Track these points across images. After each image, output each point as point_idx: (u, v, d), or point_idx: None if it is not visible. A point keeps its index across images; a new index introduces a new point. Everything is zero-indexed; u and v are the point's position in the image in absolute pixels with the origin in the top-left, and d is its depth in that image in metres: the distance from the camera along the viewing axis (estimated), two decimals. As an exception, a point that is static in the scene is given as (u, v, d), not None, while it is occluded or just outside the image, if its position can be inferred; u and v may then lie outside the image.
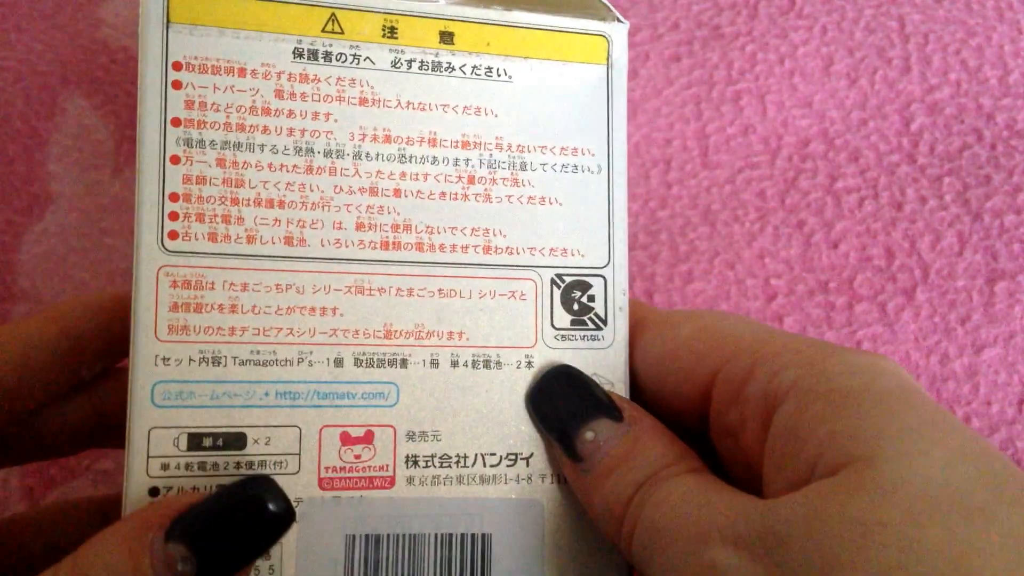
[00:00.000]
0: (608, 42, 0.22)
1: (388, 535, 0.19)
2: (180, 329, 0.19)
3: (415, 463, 0.20)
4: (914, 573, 0.13)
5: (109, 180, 0.31)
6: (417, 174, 0.20)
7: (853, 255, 0.31)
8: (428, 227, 0.20)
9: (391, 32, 0.20)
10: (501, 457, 0.20)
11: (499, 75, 0.21)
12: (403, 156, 0.20)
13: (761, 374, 0.18)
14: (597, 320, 0.21)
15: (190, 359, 0.19)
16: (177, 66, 0.19)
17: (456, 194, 0.20)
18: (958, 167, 0.32)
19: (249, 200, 0.19)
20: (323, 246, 0.20)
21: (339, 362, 0.20)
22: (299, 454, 0.19)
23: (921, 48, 0.34)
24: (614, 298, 0.21)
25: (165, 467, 0.18)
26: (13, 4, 0.32)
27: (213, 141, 0.19)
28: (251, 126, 0.20)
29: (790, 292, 0.31)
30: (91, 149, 0.31)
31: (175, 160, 0.19)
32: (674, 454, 0.18)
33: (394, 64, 0.20)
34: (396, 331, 0.20)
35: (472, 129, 0.21)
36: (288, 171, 0.20)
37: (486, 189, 0.21)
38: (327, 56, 0.20)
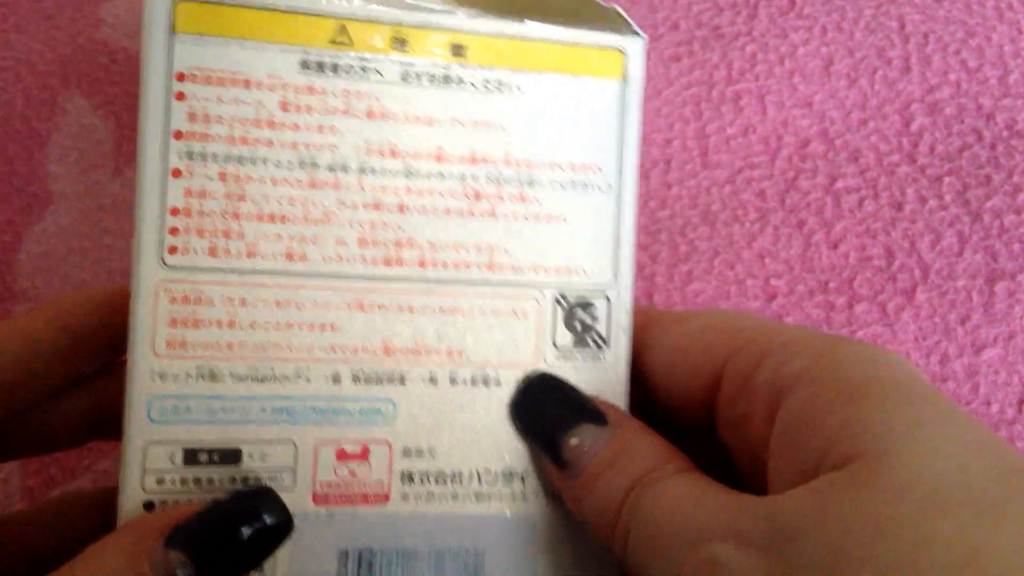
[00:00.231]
0: (624, 56, 0.21)
1: (381, 551, 0.19)
2: (178, 344, 0.19)
3: (410, 480, 0.20)
4: (926, 568, 0.13)
5: (109, 180, 0.31)
6: (422, 190, 0.20)
7: (853, 255, 0.31)
8: (431, 243, 0.20)
9: (401, 44, 0.20)
10: (496, 474, 0.20)
11: (510, 89, 0.20)
12: (409, 171, 0.20)
13: (769, 364, 0.18)
14: (599, 339, 0.21)
15: (187, 374, 0.19)
16: (181, 77, 0.19)
17: (461, 210, 0.20)
18: (958, 167, 0.32)
19: (250, 215, 0.19)
20: (324, 262, 0.19)
21: (337, 378, 0.19)
22: (294, 469, 0.19)
23: (921, 48, 0.34)
24: (617, 318, 0.21)
25: (160, 482, 0.18)
26: (13, 4, 0.32)
27: (215, 154, 0.19)
28: (254, 139, 0.19)
29: (790, 292, 0.31)
30: (91, 149, 0.31)
31: (176, 174, 0.19)
32: (662, 455, 0.18)
33: (403, 77, 0.20)
34: (395, 348, 0.20)
35: (480, 144, 0.20)
36: (291, 185, 0.19)
37: (492, 206, 0.20)
38: (335, 68, 0.19)
